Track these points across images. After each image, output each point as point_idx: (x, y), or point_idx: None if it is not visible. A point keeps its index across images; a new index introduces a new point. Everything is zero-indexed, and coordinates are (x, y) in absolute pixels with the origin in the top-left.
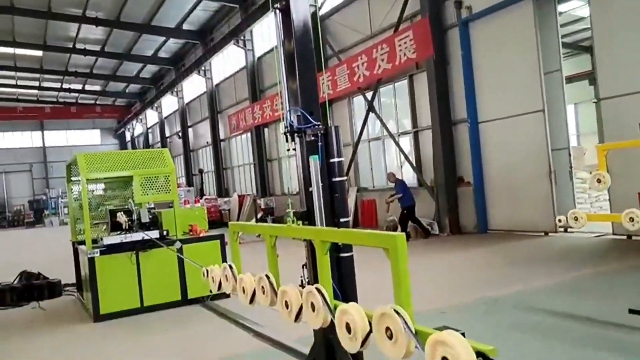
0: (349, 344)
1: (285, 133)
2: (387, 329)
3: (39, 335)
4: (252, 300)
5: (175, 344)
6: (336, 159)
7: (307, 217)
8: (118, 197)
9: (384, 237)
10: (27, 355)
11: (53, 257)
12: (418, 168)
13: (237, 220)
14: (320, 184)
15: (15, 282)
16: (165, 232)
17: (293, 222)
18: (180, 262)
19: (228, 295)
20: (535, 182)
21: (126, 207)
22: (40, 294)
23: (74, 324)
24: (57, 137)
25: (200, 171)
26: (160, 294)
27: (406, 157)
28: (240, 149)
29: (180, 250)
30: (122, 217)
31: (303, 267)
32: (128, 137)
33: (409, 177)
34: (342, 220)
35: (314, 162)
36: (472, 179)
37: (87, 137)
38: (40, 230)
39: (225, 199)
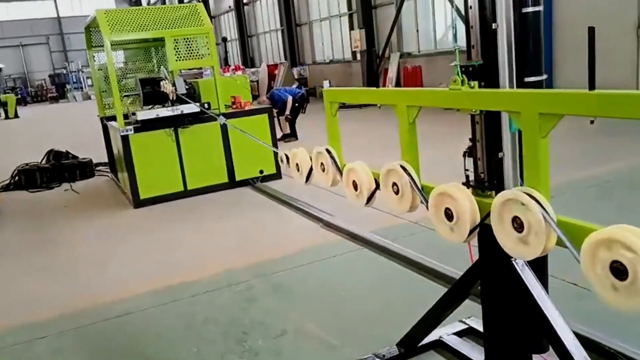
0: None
1: None
2: None
3: (76, 222)
4: (369, 200)
5: (234, 232)
6: None
7: (483, 73)
8: (141, 69)
9: None
10: (69, 243)
11: (79, 134)
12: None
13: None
14: (511, 18)
15: (44, 161)
16: (206, 105)
17: (463, 82)
18: (226, 140)
19: (279, 176)
20: (617, 37)
21: (160, 76)
22: (71, 174)
23: (112, 210)
24: (70, 6)
25: (224, 40)
26: (204, 175)
27: (458, 13)
28: (266, 13)
29: (224, 126)
30: (167, 86)
31: (465, 156)
32: (144, 3)
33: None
34: (533, 79)
35: None
36: None
37: (102, 4)
38: (63, 106)
39: (253, 70)
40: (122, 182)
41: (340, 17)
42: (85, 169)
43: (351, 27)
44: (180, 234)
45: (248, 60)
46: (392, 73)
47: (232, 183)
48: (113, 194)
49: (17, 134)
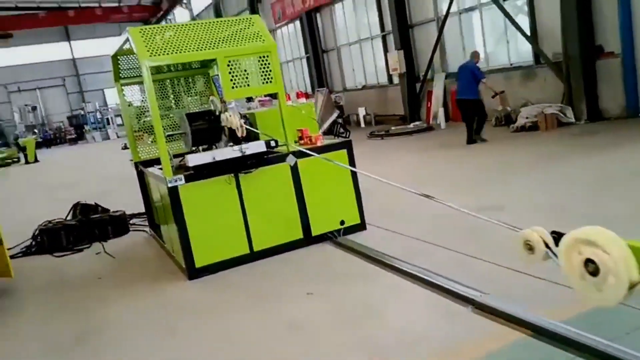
0: None
1: None
2: None
3: (115, 303)
4: None
5: (342, 323)
6: None
7: None
8: (160, 107)
9: None
10: (110, 344)
11: (104, 179)
12: (533, 39)
13: None
14: None
15: (69, 217)
16: (274, 143)
17: None
18: (297, 185)
19: (363, 227)
20: None
21: (211, 108)
22: (102, 232)
23: (161, 283)
24: (85, 47)
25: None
26: (274, 232)
27: (516, 26)
28: (289, 42)
29: (295, 168)
30: (233, 120)
31: None
32: None
33: (523, 50)
34: None
35: None
36: (619, 47)
37: (117, 45)
38: (83, 147)
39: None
40: (169, 244)
41: (372, 39)
42: (118, 225)
43: (385, 49)
44: (261, 327)
45: None
46: (438, 95)
47: (308, 239)
48: (157, 258)
49: (36, 181)
